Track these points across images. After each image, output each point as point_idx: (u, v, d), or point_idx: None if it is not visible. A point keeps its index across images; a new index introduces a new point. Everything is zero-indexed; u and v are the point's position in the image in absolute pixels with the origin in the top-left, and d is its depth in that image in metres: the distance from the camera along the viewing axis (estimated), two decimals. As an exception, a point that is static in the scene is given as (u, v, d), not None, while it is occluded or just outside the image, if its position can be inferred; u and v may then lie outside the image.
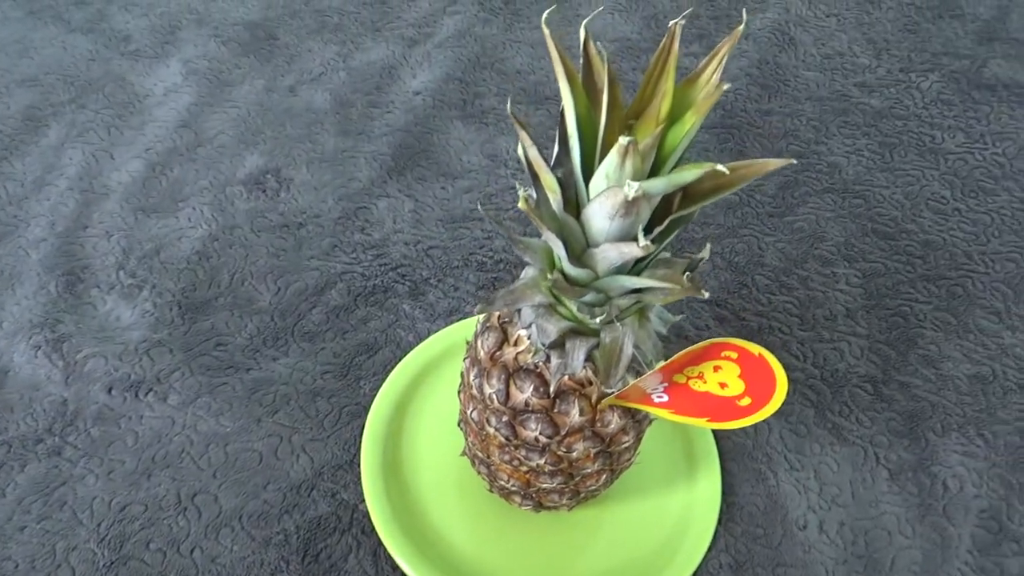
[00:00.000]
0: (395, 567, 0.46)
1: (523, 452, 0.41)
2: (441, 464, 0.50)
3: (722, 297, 0.62)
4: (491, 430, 0.41)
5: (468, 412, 0.43)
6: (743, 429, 0.54)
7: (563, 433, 0.40)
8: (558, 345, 0.37)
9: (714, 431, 0.53)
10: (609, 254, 0.31)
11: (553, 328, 0.35)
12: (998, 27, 0.89)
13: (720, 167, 0.27)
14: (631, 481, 0.50)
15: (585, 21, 0.30)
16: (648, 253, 0.31)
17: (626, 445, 0.42)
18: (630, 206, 0.29)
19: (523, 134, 0.30)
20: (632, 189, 0.27)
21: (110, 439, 0.51)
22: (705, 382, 0.37)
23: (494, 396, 0.40)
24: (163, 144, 0.69)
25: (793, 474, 0.52)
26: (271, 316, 0.57)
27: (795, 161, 0.28)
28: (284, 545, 0.46)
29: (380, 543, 0.47)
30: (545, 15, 0.30)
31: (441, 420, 0.52)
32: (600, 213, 0.30)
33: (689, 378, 0.37)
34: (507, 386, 0.40)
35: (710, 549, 0.48)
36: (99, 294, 0.58)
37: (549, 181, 0.30)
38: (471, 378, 0.42)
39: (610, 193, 0.29)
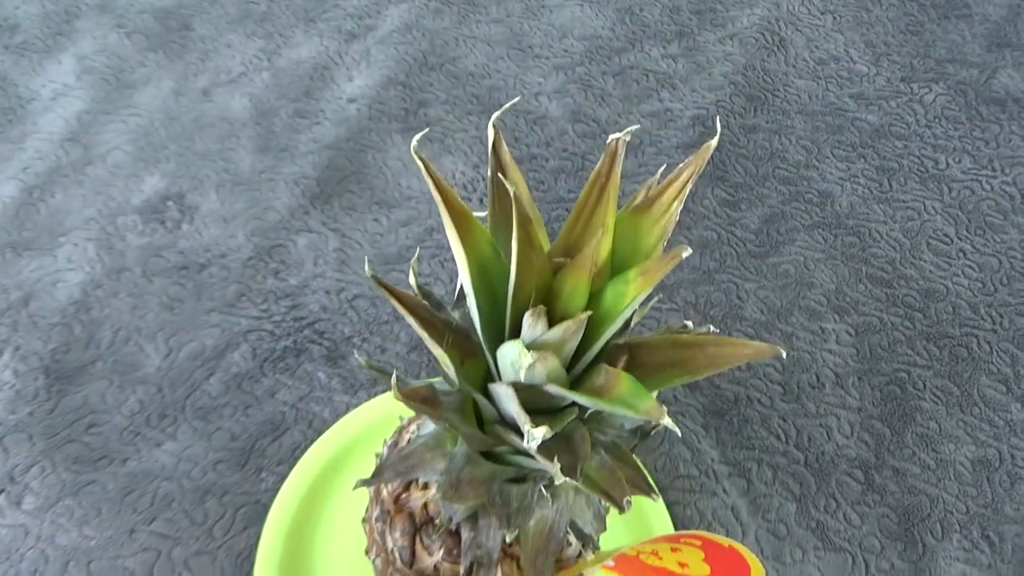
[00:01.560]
0: None
1: (436, 617, 0.33)
2: (352, 586, 0.42)
3: (694, 359, 0.54)
4: (396, 589, 0.33)
5: (371, 556, 0.35)
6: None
7: (484, 604, 0.31)
8: (470, 518, 0.28)
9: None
10: (523, 444, 0.23)
11: (460, 505, 0.27)
12: (1009, 30, 0.79)
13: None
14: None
15: (495, 116, 0.21)
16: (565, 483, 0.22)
17: (567, 600, 0.34)
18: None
19: (395, 303, 0.21)
20: (534, 440, 0.18)
21: (-50, 550, 0.42)
22: (660, 559, 0.29)
23: (397, 553, 0.31)
24: (45, 162, 0.59)
25: (769, 590, 0.45)
26: (158, 386, 0.48)
27: (783, 354, 0.19)
28: None
29: None
30: (415, 141, 0.21)
31: (356, 530, 0.44)
32: (508, 404, 0.21)
33: (640, 553, 0.29)
34: (413, 543, 0.31)
35: None
36: (-50, 358, 0.48)
37: (440, 355, 0.21)
38: (373, 517, 0.34)
39: (513, 399, 0.21)
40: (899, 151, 0.69)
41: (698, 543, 0.27)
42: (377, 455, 0.36)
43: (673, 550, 0.28)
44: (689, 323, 0.20)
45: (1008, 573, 0.46)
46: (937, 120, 0.72)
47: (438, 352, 0.21)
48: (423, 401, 0.22)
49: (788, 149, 0.68)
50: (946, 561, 0.46)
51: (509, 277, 0.21)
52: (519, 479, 0.26)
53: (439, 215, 0.59)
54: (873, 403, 0.53)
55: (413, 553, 0.31)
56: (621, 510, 0.22)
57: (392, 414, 0.47)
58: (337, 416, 0.48)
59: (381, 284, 0.20)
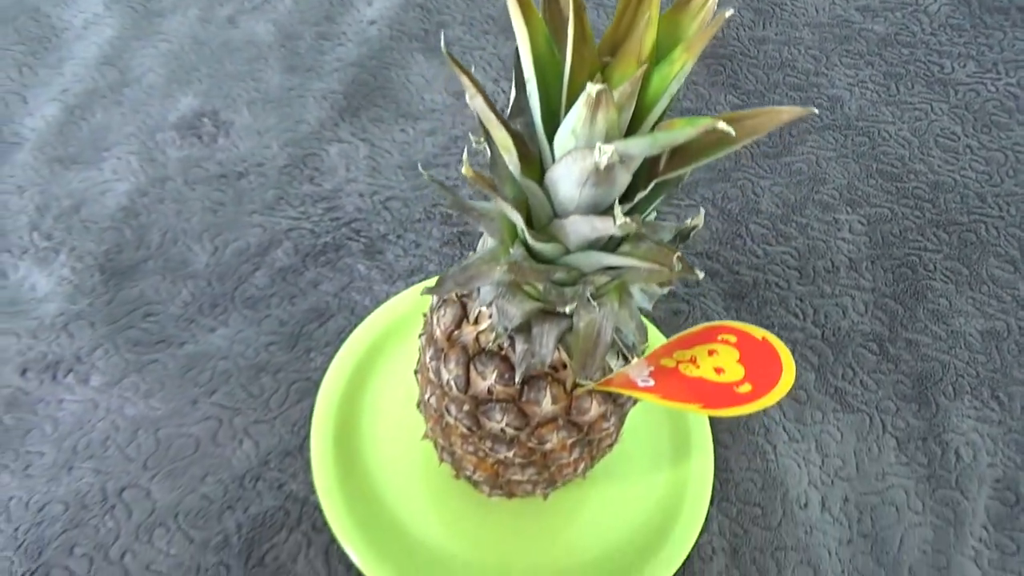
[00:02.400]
0: (349, 566, 0.41)
1: (488, 443, 0.36)
2: (403, 447, 0.45)
3: (713, 249, 0.57)
4: (451, 419, 0.36)
5: (426, 397, 0.38)
6: (737, 397, 0.49)
7: (533, 424, 0.34)
8: (523, 329, 0.31)
9: (705, 401, 0.48)
10: (580, 228, 0.25)
11: (516, 311, 0.29)
12: (1013, -59, 0.81)
13: (722, 125, 0.20)
14: (614, 459, 0.45)
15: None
16: (627, 232, 0.25)
17: (607, 431, 0.37)
18: (604, 173, 0.23)
19: (465, 80, 0.23)
20: (604, 154, 0.20)
21: (26, 428, 0.45)
22: (698, 367, 0.31)
23: (452, 383, 0.34)
24: (83, 84, 0.61)
25: (793, 446, 0.47)
26: (208, 280, 0.51)
27: (816, 111, 0.22)
28: (224, 547, 0.41)
29: (333, 539, 0.42)
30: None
31: (402, 396, 0.46)
32: (567, 179, 0.24)
33: (679, 362, 0.32)
34: (467, 371, 0.34)
35: (702, 532, 0.44)
36: (10, 260, 0.51)
37: (502, 138, 0.24)
38: (427, 359, 0.36)
39: (577, 156, 0.23)
40: (905, 58, 0.71)
41: (734, 339, 0.30)
42: (424, 314, 0.39)
43: (710, 353, 0.31)
44: (721, 123, 0.22)
45: (1017, 428, 0.49)
46: (942, 28, 0.74)
47: (500, 135, 0.24)
48: (488, 183, 0.24)
49: (797, 59, 0.70)
50: (958, 418, 0.49)
51: (564, 69, 0.23)
52: (570, 282, 0.29)
53: (462, 125, 0.62)
54: (886, 284, 0.55)
55: (468, 380, 0.34)
56: (671, 270, 0.24)
57: (423, 310, 0.50)
58: (378, 303, 0.51)
59: (455, 62, 0.23)
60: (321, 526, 0.42)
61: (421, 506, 0.43)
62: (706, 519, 0.44)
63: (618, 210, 0.22)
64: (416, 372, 0.40)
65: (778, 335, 0.52)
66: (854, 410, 0.49)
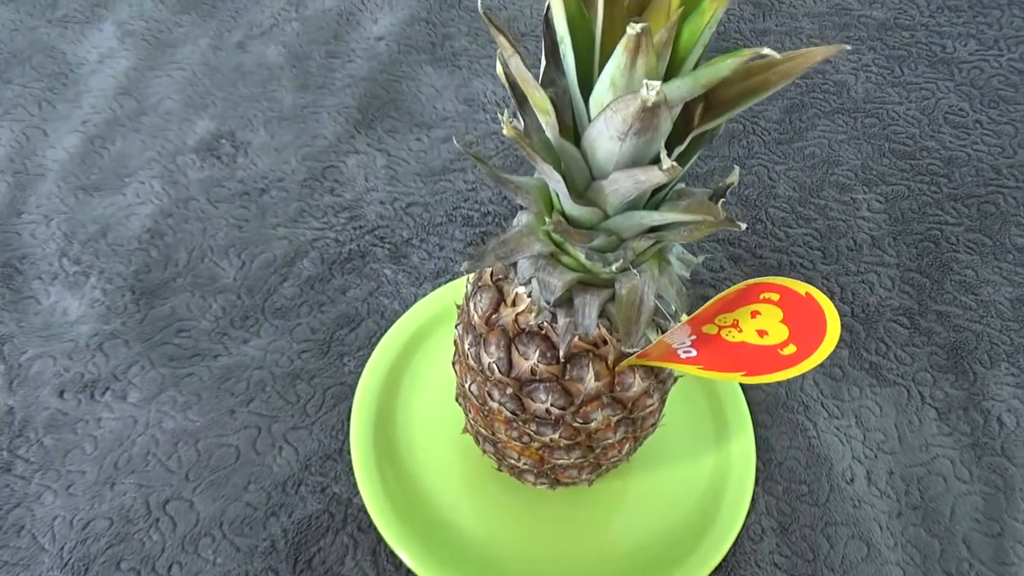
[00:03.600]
0: (398, 564, 0.41)
1: (533, 427, 0.36)
2: (441, 444, 0.45)
3: (735, 235, 0.57)
4: (494, 404, 0.36)
5: (466, 386, 0.38)
6: (771, 377, 0.49)
7: (578, 402, 0.34)
8: (565, 302, 0.31)
9: (742, 384, 0.48)
10: (621, 185, 0.25)
11: (557, 282, 0.29)
12: (1002, -77, 0.82)
13: (767, 51, 0.20)
14: (655, 447, 0.45)
15: None
16: (672, 178, 0.25)
17: (650, 409, 0.36)
18: (647, 117, 0.23)
19: (502, 40, 0.23)
20: (652, 90, 0.21)
21: (66, 448, 0.45)
22: (741, 331, 0.31)
23: (494, 366, 0.34)
24: (101, 115, 0.62)
25: (833, 422, 0.47)
26: (237, 294, 0.51)
27: (848, 47, 0.22)
28: (272, 553, 0.41)
29: (379, 539, 0.41)
30: None
31: (438, 395, 0.46)
32: (607, 133, 0.24)
33: (721, 328, 0.32)
34: (508, 353, 0.34)
35: (750, 513, 0.43)
36: (41, 286, 0.51)
37: (539, 99, 0.24)
38: (466, 347, 0.36)
39: (619, 105, 0.23)
40: (906, 41, 0.72)
41: (776, 296, 0.30)
42: (457, 305, 0.39)
43: (753, 315, 0.31)
44: (766, 49, 0.23)
45: (1057, 391, 0.49)
46: (940, 11, 0.74)
47: (537, 96, 0.24)
48: (529, 145, 0.25)
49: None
50: (997, 386, 0.49)
51: (596, 26, 0.24)
52: (609, 248, 0.29)
53: (475, 131, 0.62)
54: (910, 258, 0.55)
55: (510, 362, 0.34)
56: (716, 217, 0.24)
57: (459, 299, 0.50)
58: (406, 306, 0.51)
59: (492, 22, 0.23)
60: (366, 527, 0.42)
61: (465, 501, 0.43)
62: (752, 500, 0.44)
63: (664, 154, 0.22)
64: (454, 363, 0.40)
65: (807, 315, 0.52)
66: (891, 384, 0.49)
